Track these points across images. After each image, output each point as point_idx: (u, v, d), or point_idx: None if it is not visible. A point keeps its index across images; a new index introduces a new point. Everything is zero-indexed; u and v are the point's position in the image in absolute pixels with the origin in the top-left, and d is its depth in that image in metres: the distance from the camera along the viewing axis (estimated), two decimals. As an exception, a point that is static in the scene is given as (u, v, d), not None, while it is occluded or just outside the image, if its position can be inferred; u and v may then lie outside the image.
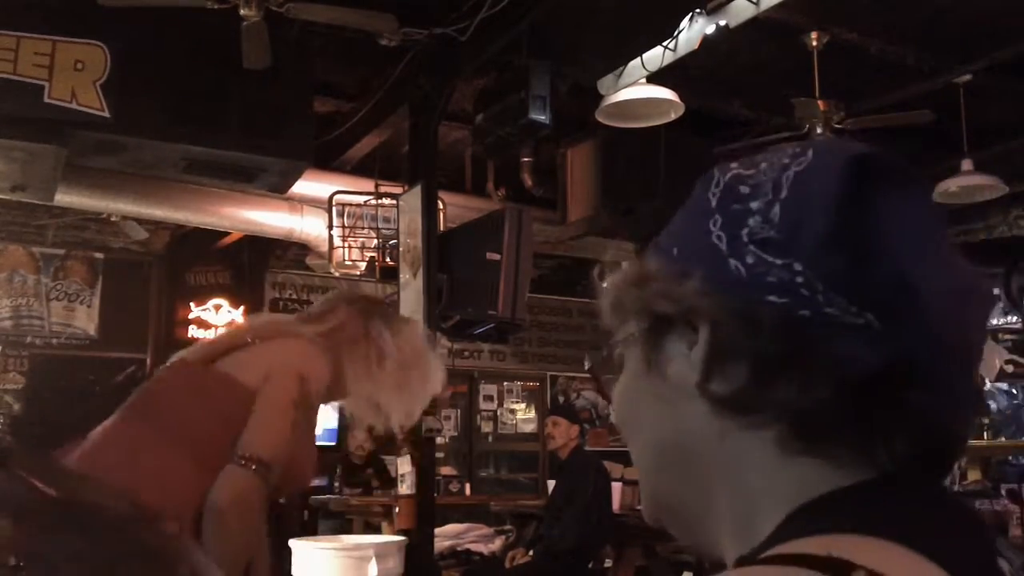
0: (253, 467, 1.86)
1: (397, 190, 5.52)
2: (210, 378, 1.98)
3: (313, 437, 2.11)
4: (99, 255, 8.36)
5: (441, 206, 5.33)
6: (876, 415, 0.56)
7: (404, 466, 4.77)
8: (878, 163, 0.58)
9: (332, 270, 6.43)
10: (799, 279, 0.55)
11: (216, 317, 8.47)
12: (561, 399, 10.12)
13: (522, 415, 10.21)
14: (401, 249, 5.17)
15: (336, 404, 2.21)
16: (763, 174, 0.60)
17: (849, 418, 0.55)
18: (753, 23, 3.91)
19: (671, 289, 0.60)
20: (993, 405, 9.78)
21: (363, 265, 5.96)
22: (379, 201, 5.88)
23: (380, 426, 2.24)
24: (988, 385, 10.19)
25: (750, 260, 0.57)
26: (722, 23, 3.80)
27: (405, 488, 4.76)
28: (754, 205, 0.59)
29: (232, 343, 2.07)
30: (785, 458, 0.57)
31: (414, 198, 5.05)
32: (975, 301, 0.59)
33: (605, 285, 0.68)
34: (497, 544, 6.37)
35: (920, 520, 0.54)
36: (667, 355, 0.62)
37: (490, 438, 10.03)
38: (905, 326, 0.55)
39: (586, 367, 0.75)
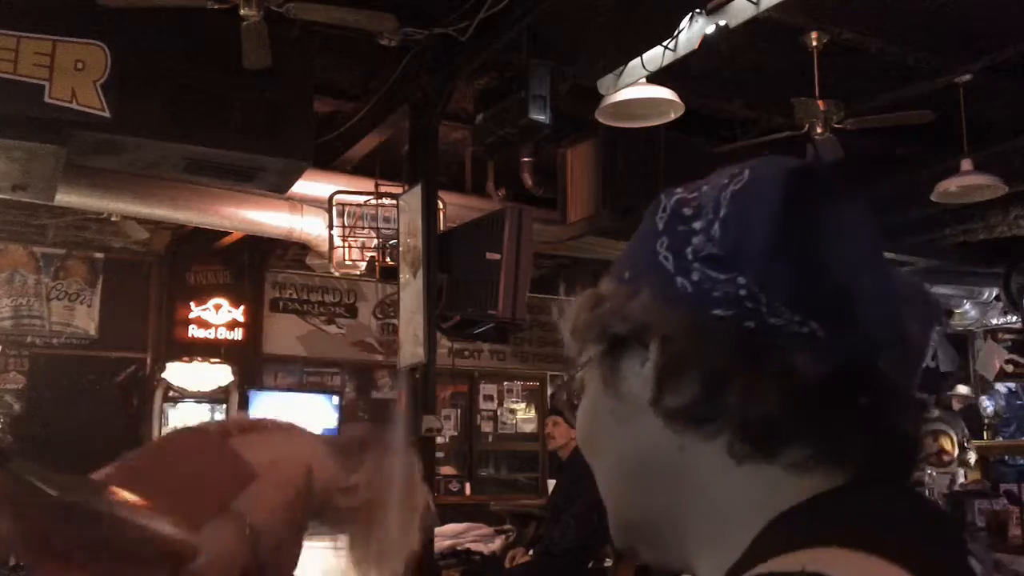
0: (239, 524, 1.82)
1: (397, 190, 5.52)
2: (218, 452, 1.97)
3: (301, 539, 2.06)
4: (99, 255, 8.36)
5: (441, 206, 5.33)
6: (828, 420, 0.57)
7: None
8: (814, 176, 0.60)
9: (332, 270, 6.43)
10: (743, 292, 0.57)
11: (216, 317, 8.47)
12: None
13: (522, 415, 10.21)
14: (401, 249, 5.17)
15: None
16: (704, 196, 0.63)
17: (802, 424, 0.57)
18: (753, 23, 3.90)
19: (621, 308, 0.62)
20: (992, 405, 9.79)
21: (363, 265, 5.96)
22: (379, 201, 5.88)
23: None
24: (992, 386, 10.19)
25: (695, 276, 0.59)
26: (722, 23, 3.80)
27: (405, 488, 4.75)
28: (697, 225, 0.61)
29: (254, 425, 2.06)
30: (742, 467, 0.58)
31: (414, 198, 5.05)
32: (915, 307, 0.61)
33: (564, 312, 0.69)
34: (497, 544, 6.37)
35: (893, 527, 0.54)
36: (622, 375, 0.63)
37: (490, 438, 10.03)
38: (848, 333, 0.57)
39: (549, 398, 0.76)
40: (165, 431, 7.51)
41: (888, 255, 0.62)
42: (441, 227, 5.29)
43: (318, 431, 2.22)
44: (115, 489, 1.81)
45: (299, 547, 2.17)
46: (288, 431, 2.14)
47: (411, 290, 4.97)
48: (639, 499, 0.64)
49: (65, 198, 5.80)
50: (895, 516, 0.56)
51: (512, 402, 10.15)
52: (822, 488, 0.57)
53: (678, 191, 0.65)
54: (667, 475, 0.61)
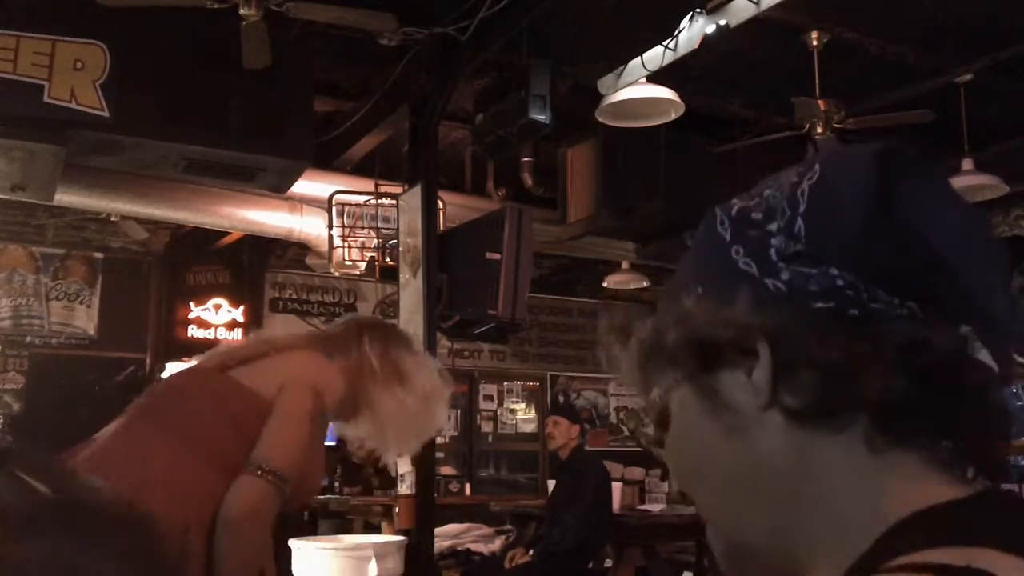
0: (268, 478, 1.86)
1: (397, 190, 5.51)
2: (225, 386, 1.99)
3: (323, 450, 2.11)
4: (99, 255, 8.36)
5: (441, 206, 5.33)
6: (943, 401, 0.56)
7: (404, 466, 4.76)
8: (893, 155, 0.59)
9: (332, 270, 6.43)
10: (839, 281, 0.57)
11: (216, 317, 8.47)
12: (561, 399, 10.12)
13: (522, 415, 10.21)
14: (401, 249, 5.17)
15: (339, 424, 2.21)
16: (772, 198, 0.61)
17: (928, 404, 0.56)
18: (753, 23, 3.90)
19: (719, 316, 0.60)
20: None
21: (363, 265, 5.95)
22: (379, 201, 5.88)
23: (378, 452, 2.24)
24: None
25: (786, 276, 0.58)
26: (722, 23, 3.79)
27: (405, 488, 4.75)
28: (772, 227, 0.60)
29: (248, 353, 2.07)
30: (871, 457, 0.57)
31: (414, 198, 5.05)
32: (1008, 276, 0.60)
33: (628, 345, 0.67)
34: (497, 544, 6.37)
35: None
36: (724, 388, 0.61)
37: (490, 438, 10.03)
38: (949, 310, 0.56)
39: (628, 430, 0.73)
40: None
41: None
42: (441, 227, 5.28)
43: (309, 338, 2.21)
44: (114, 487, 1.79)
45: (320, 464, 2.20)
46: (285, 355, 2.14)
47: (411, 290, 4.97)
48: (753, 515, 0.62)
49: (64, 198, 5.79)
50: None
51: (512, 402, 10.15)
52: (952, 483, 0.56)
53: (733, 202, 0.64)
54: (787, 481, 0.59)
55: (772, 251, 0.59)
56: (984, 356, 0.57)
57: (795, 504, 0.59)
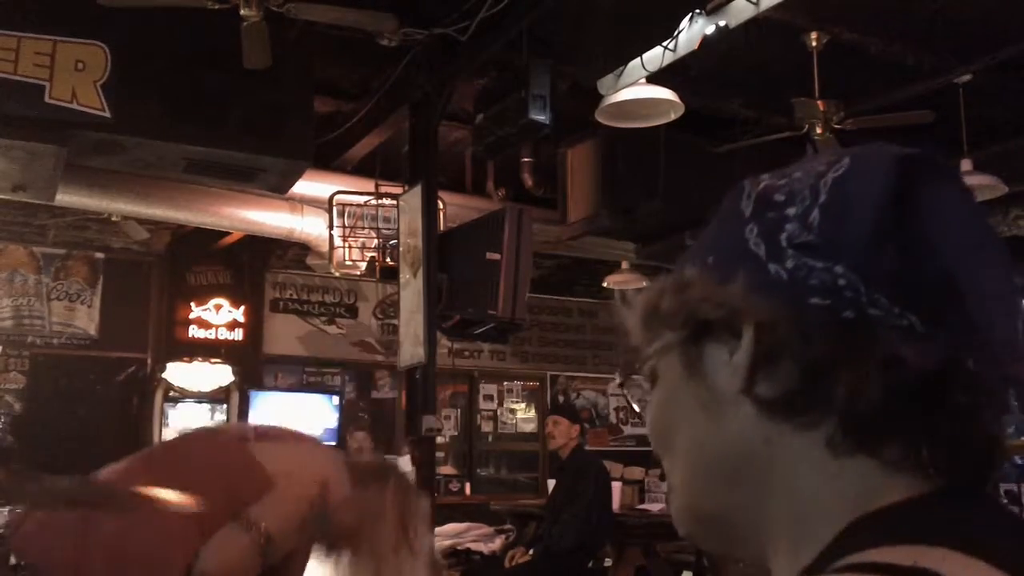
0: (254, 532, 1.83)
1: (397, 190, 5.52)
2: (236, 456, 1.98)
3: (310, 545, 2.05)
4: (100, 255, 8.37)
5: (441, 206, 5.33)
6: (922, 417, 0.56)
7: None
8: (920, 163, 0.58)
9: (332, 270, 6.43)
10: (841, 281, 0.56)
11: (216, 317, 8.47)
12: (561, 399, 10.12)
13: (522, 415, 10.21)
14: (401, 249, 5.17)
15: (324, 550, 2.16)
16: (798, 182, 0.61)
17: (899, 418, 0.55)
18: (753, 23, 3.90)
19: (713, 293, 0.60)
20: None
21: (363, 265, 5.96)
22: (379, 201, 5.88)
23: None
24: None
25: (790, 264, 0.57)
26: (722, 23, 3.80)
27: (405, 488, 4.75)
28: (791, 211, 0.59)
29: (270, 433, 2.09)
30: (837, 459, 0.57)
31: (414, 198, 5.06)
32: (1017, 301, 0.59)
33: (634, 300, 0.67)
34: (497, 544, 6.37)
35: (994, 534, 0.53)
36: (707, 362, 0.61)
37: (490, 438, 10.03)
38: (950, 328, 0.55)
39: (617, 382, 0.74)
40: (166, 431, 7.51)
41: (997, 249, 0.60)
42: (441, 227, 5.29)
43: (331, 447, 2.23)
44: (123, 492, 1.79)
45: (307, 558, 2.18)
46: (305, 443, 2.16)
47: (411, 290, 4.97)
48: (718, 491, 0.62)
49: (65, 198, 5.80)
50: (994, 523, 0.55)
51: (512, 402, 10.16)
52: (914, 488, 0.56)
53: (764, 177, 0.63)
54: (752, 467, 0.60)
55: (784, 236, 0.58)
56: (985, 380, 0.56)
57: (758, 490, 0.60)
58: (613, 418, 10.52)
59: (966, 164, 5.69)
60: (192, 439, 2.17)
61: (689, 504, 0.65)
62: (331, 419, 8.35)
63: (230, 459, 1.98)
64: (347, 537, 2.05)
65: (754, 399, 0.58)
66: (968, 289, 0.56)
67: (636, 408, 0.71)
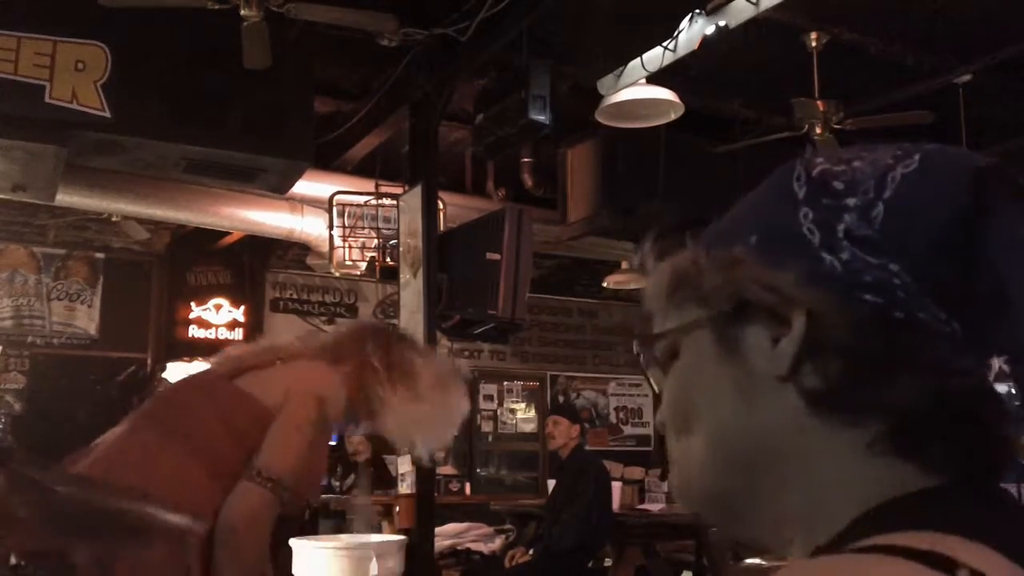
0: (268, 485, 1.89)
1: (397, 190, 5.52)
2: (230, 394, 2.01)
3: (325, 453, 2.14)
4: (100, 255, 8.37)
5: (441, 206, 5.33)
6: (957, 425, 0.56)
7: (404, 466, 4.77)
8: (997, 175, 0.57)
9: (332, 270, 6.43)
10: (896, 280, 0.55)
11: (217, 317, 8.47)
12: (561, 399, 10.12)
13: (522, 415, 10.22)
14: (401, 249, 5.17)
15: (363, 423, 2.24)
16: (860, 172, 0.59)
17: (936, 424, 0.55)
18: (753, 23, 3.90)
19: (765, 276, 0.59)
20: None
21: (363, 265, 5.96)
22: (379, 201, 5.88)
23: (416, 452, 2.28)
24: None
25: (846, 256, 0.57)
26: (722, 23, 3.80)
27: (405, 487, 4.76)
28: (851, 202, 0.58)
29: (255, 362, 2.10)
30: (872, 457, 0.57)
31: (414, 198, 5.06)
32: None
33: (659, 267, 0.65)
34: (497, 543, 6.37)
35: (1002, 524, 0.54)
36: (747, 344, 0.60)
37: (490, 438, 10.03)
38: (991, 343, 0.56)
39: (635, 350, 0.72)
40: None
41: None
42: (441, 227, 5.29)
43: (313, 346, 2.21)
44: (126, 488, 1.80)
45: (320, 468, 2.23)
46: (288, 362, 2.16)
47: (411, 290, 4.97)
48: (737, 474, 0.61)
49: (65, 198, 5.80)
50: (1007, 516, 0.55)
51: (512, 402, 10.16)
52: (929, 480, 0.56)
53: (819, 159, 0.62)
54: (780, 454, 0.59)
55: (842, 227, 0.57)
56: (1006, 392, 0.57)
57: (782, 479, 0.59)
58: (613, 418, 10.53)
59: (966, 164, 5.69)
60: (184, 389, 2.17)
61: (700, 482, 0.64)
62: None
63: (226, 402, 2.01)
64: (362, 411, 2.14)
65: (798, 389, 0.58)
66: (1017, 303, 0.55)
67: (652, 383, 0.70)
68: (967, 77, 5.28)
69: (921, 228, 0.56)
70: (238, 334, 8.46)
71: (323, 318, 9.07)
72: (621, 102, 4.61)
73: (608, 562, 5.94)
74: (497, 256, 4.94)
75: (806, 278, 0.57)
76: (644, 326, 0.68)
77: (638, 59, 4.18)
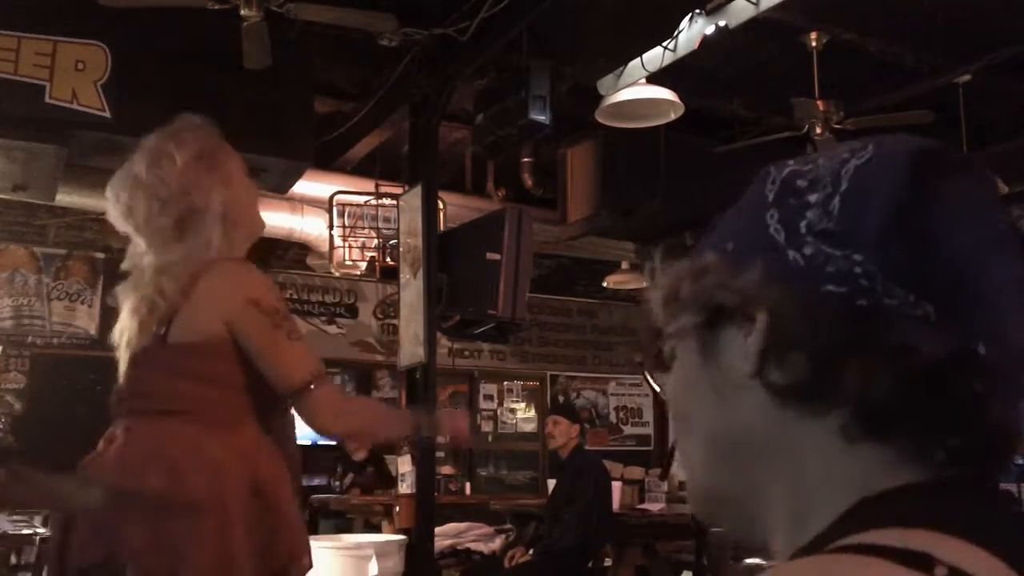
0: (310, 386, 1.93)
1: (397, 190, 5.52)
2: (177, 355, 1.98)
3: (293, 328, 2.08)
4: (100, 255, 8.36)
5: (441, 206, 5.33)
6: (934, 406, 0.56)
7: (404, 465, 4.77)
8: (942, 155, 0.59)
9: (332, 270, 6.43)
10: (858, 269, 0.56)
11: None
12: (561, 399, 10.12)
13: (522, 415, 10.22)
14: (401, 249, 5.17)
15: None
16: (821, 168, 0.61)
17: (911, 407, 0.56)
18: (753, 23, 3.90)
19: (729, 280, 0.60)
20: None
21: (363, 265, 5.96)
22: (379, 201, 5.88)
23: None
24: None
25: (808, 251, 0.58)
26: (722, 23, 3.80)
27: (405, 487, 4.76)
28: (812, 198, 0.59)
29: (168, 311, 2.04)
30: (846, 446, 0.57)
31: (414, 198, 5.06)
32: None
33: (656, 281, 0.68)
34: (497, 543, 6.37)
35: (988, 519, 0.54)
36: (722, 347, 0.62)
37: (490, 438, 10.04)
38: (964, 318, 0.56)
39: (637, 361, 0.74)
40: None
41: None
42: (441, 227, 5.29)
43: (223, 279, 2.11)
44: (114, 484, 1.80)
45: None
46: (196, 289, 2.11)
47: (411, 290, 4.97)
48: (731, 474, 0.63)
49: (65, 198, 5.80)
50: (989, 510, 0.55)
51: (512, 402, 10.16)
52: (918, 476, 0.56)
53: (790, 163, 0.64)
54: (763, 451, 0.60)
55: (804, 223, 0.59)
56: (999, 372, 0.57)
57: (767, 474, 0.61)
58: (613, 418, 10.53)
59: (966, 164, 5.69)
60: (140, 380, 2.10)
61: (704, 485, 0.66)
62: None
63: (180, 364, 1.98)
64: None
65: (766, 385, 0.59)
66: (980, 278, 0.56)
67: (656, 389, 0.72)
68: (967, 77, 5.28)
69: (872, 215, 0.57)
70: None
71: (323, 318, 9.07)
72: (621, 102, 4.61)
73: (608, 562, 5.94)
74: (497, 256, 4.93)
75: (770, 276, 0.58)
76: (648, 338, 0.70)
77: (638, 59, 4.18)
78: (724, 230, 0.65)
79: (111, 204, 2.11)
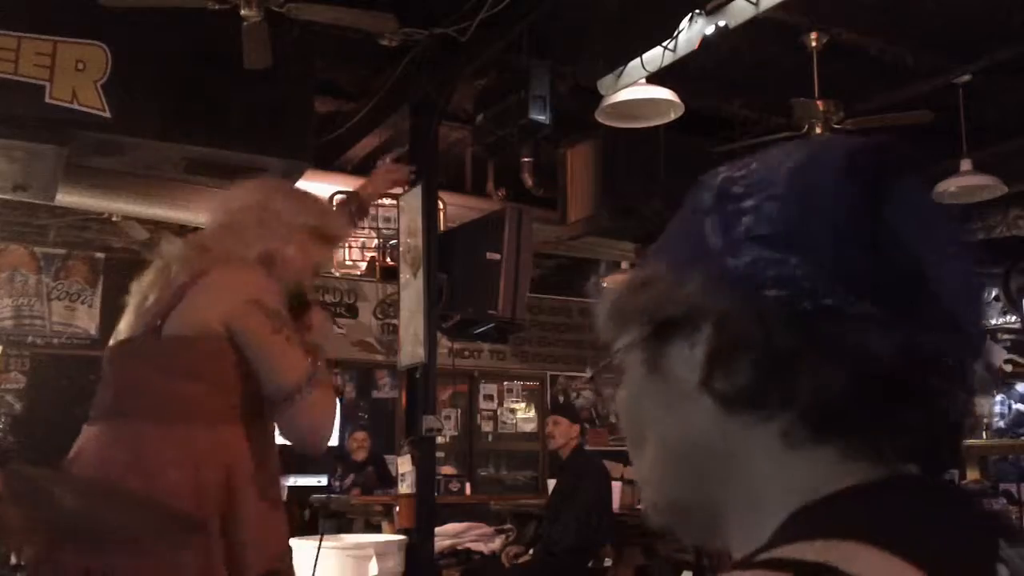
0: (300, 392, 1.92)
1: (397, 190, 5.52)
2: (167, 348, 1.97)
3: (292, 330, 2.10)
4: (100, 255, 8.37)
5: (441, 206, 5.33)
6: (884, 403, 0.55)
7: (404, 465, 4.77)
8: (878, 154, 0.58)
9: (332, 270, 6.43)
10: (798, 272, 0.55)
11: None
12: (561, 399, 10.12)
13: (522, 415, 10.22)
14: (401, 249, 5.17)
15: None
16: (756, 173, 0.60)
17: (860, 406, 0.55)
18: (753, 23, 3.90)
19: (671, 292, 0.60)
20: (1004, 408, 9.79)
21: (363, 265, 5.96)
22: (379, 201, 5.88)
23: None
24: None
25: (747, 257, 0.57)
26: (722, 23, 3.80)
27: (405, 487, 4.76)
28: (748, 203, 0.59)
29: (168, 303, 2.04)
30: (792, 451, 0.57)
31: (414, 198, 5.06)
32: (980, 291, 0.59)
33: (601, 294, 0.67)
34: (497, 543, 6.37)
35: (920, 525, 0.53)
36: (669, 358, 0.61)
37: (490, 438, 10.04)
38: (913, 314, 0.55)
39: (587, 376, 0.74)
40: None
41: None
42: (441, 227, 5.29)
43: (229, 278, 2.13)
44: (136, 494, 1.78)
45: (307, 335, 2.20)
46: (200, 284, 2.11)
47: (411, 290, 4.97)
48: (683, 483, 0.63)
49: (65, 198, 5.80)
50: (926, 514, 0.54)
51: (512, 402, 10.16)
52: (868, 474, 0.56)
53: (722, 169, 0.63)
54: (713, 461, 0.60)
55: (741, 229, 0.58)
56: (948, 371, 0.56)
57: (719, 484, 0.60)
58: (613, 418, 10.53)
59: (966, 164, 5.70)
60: (127, 371, 2.10)
61: (658, 497, 0.65)
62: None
63: (172, 359, 1.99)
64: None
65: (712, 394, 0.58)
66: (933, 278, 0.55)
67: (604, 402, 0.72)
68: (967, 77, 5.28)
69: (809, 217, 0.56)
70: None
71: (323, 318, 9.05)
72: (621, 102, 4.60)
73: (608, 562, 5.94)
74: (497, 256, 4.93)
75: (712, 285, 0.58)
76: (594, 353, 0.70)
77: (638, 59, 4.18)
78: (666, 241, 0.64)
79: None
